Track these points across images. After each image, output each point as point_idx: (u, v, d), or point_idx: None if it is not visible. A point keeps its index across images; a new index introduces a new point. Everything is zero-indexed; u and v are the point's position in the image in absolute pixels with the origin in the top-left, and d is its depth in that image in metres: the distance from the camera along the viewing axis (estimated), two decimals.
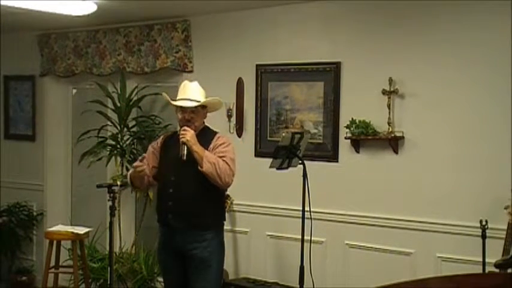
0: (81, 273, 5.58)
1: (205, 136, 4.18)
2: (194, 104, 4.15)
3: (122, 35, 6.04)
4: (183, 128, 4.11)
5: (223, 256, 4.31)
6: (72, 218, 6.68)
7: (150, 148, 4.39)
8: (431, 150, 4.53)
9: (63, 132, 6.82)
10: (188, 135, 4.04)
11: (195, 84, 4.27)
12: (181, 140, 4.04)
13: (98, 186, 4.37)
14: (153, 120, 6.05)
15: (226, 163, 4.06)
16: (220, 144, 4.15)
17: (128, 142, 5.95)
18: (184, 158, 4.03)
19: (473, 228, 4.22)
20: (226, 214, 4.60)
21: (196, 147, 4.03)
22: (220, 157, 4.07)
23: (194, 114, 4.16)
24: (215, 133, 4.26)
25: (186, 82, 4.32)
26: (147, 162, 4.25)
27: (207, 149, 4.09)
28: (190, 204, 4.11)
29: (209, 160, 4.01)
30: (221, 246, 4.25)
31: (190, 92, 4.20)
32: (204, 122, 4.27)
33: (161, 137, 4.47)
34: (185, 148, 4.03)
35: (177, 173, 4.14)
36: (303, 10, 5.07)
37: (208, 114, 4.31)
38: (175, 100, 4.22)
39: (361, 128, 4.70)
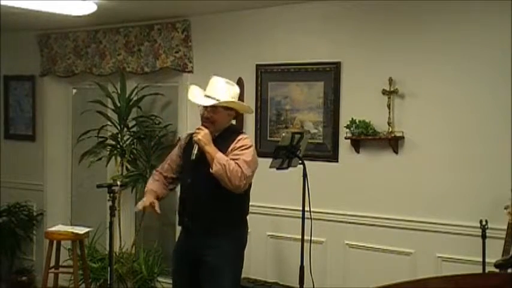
0: (81, 273, 5.58)
1: (228, 137, 3.98)
2: (210, 102, 3.93)
3: (122, 35, 6.05)
4: (198, 127, 3.96)
5: (240, 265, 4.11)
6: (72, 218, 6.68)
7: (176, 148, 4.27)
8: (431, 150, 4.54)
9: (63, 132, 6.82)
10: (201, 134, 3.89)
11: (221, 81, 4.02)
12: (193, 138, 3.93)
13: (98, 186, 4.36)
14: (153, 120, 6.04)
15: (238, 165, 3.83)
16: (239, 147, 3.93)
17: (127, 142, 5.95)
18: (193, 157, 3.90)
19: (473, 228, 4.22)
20: None
21: (209, 148, 3.86)
22: (235, 159, 3.86)
23: (214, 114, 3.95)
24: (239, 134, 4.04)
25: (213, 77, 4.07)
26: (169, 163, 4.24)
27: (226, 151, 3.91)
28: (205, 208, 3.96)
29: (219, 161, 3.81)
30: (238, 254, 4.06)
31: (213, 89, 3.98)
32: (229, 123, 4.06)
33: (186, 135, 4.32)
34: (196, 147, 3.91)
35: (193, 175, 4.01)
36: (303, 10, 5.07)
37: None
38: (194, 96, 4.04)
39: (361, 128, 4.70)
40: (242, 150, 3.92)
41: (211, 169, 3.83)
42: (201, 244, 3.99)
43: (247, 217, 4.16)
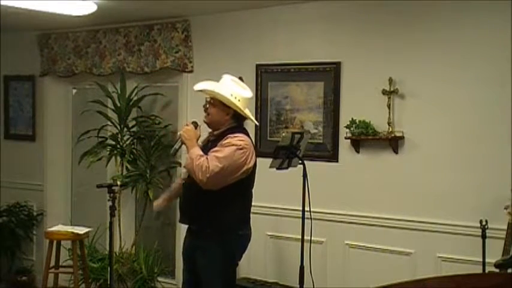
0: (81, 273, 5.58)
1: (224, 136, 3.88)
2: (198, 88, 3.95)
3: (122, 35, 6.05)
4: (186, 122, 4.05)
5: (227, 270, 3.96)
6: (72, 218, 6.67)
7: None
8: (431, 150, 4.54)
9: (63, 132, 6.81)
10: (184, 129, 3.93)
11: (226, 78, 3.97)
12: (178, 133, 4.02)
13: (98, 186, 4.36)
14: (153, 120, 6.04)
15: (206, 159, 3.74)
16: (223, 144, 3.82)
17: (127, 142, 5.95)
18: (172, 152, 4.04)
19: (473, 228, 4.22)
20: None
21: (189, 142, 3.86)
22: (209, 154, 3.80)
23: (210, 106, 3.93)
24: (235, 133, 3.88)
25: (224, 75, 4.03)
26: None
27: None
28: (193, 206, 3.95)
29: (191, 156, 3.80)
30: (225, 258, 3.90)
31: (218, 83, 3.95)
32: (229, 122, 3.94)
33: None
34: (178, 142, 3.96)
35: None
36: (303, 10, 5.07)
37: None
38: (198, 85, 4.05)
39: (361, 128, 4.70)
40: (223, 146, 3.82)
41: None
42: (192, 244, 4.01)
43: (250, 222, 4.08)
